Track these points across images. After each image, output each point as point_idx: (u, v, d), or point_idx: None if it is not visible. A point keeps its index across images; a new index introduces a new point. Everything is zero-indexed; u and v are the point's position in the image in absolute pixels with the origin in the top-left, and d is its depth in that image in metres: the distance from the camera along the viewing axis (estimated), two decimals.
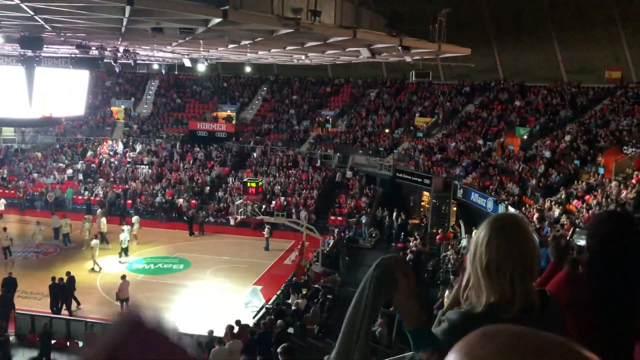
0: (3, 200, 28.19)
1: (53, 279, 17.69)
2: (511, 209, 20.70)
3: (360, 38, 16.57)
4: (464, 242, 21.19)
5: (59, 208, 29.25)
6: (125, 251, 23.17)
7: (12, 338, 15.06)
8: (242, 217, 28.30)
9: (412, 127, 34.15)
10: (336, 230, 25.53)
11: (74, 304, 18.05)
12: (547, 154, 24.90)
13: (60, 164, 35.38)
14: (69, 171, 34.44)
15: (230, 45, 21.51)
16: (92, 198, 31.02)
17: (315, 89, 41.47)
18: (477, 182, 25.21)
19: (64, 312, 17.71)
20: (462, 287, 1.69)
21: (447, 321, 1.55)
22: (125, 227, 23.80)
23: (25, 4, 12.65)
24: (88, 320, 16.08)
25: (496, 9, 32.79)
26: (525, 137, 28.01)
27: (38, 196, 31.42)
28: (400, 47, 17.60)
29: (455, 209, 26.38)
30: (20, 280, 18.13)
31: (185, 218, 28.47)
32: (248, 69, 35.82)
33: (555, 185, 22.04)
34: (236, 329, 13.25)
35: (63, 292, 17.82)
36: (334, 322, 16.27)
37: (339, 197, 30.13)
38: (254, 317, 16.79)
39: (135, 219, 25.93)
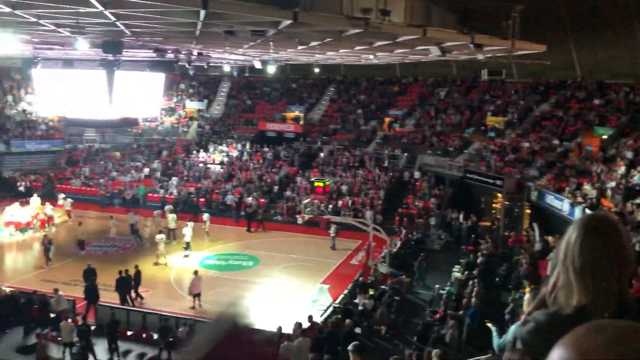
0: (70, 200, 29.52)
1: (120, 272, 18.49)
2: (588, 212, 19.77)
3: (431, 36, 16.33)
4: (537, 246, 20.44)
5: (136, 205, 30.56)
6: (188, 245, 23.94)
7: (93, 328, 15.84)
8: (310, 216, 28.58)
9: (483, 127, 33.29)
10: (403, 232, 25.27)
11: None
12: (629, 154, 23.60)
13: (138, 163, 37.01)
14: (146, 170, 35.96)
15: (300, 47, 21.77)
16: (166, 196, 32.23)
17: (382, 88, 41.25)
18: (552, 183, 24.24)
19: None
20: (549, 288, 1.64)
21: (533, 321, 1.51)
22: (190, 223, 24.60)
23: (109, 10, 13.32)
24: (162, 313, 16.69)
25: (573, 2, 31.39)
26: (605, 137, 26.66)
27: (117, 194, 33.01)
28: (472, 45, 17.22)
29: (528, 211, 25.48)
30: (100, 274, 19.12)
31: (243, 214, 29.12)
32: (316, 70, 36.14)
33: (638, 188, 20.85)
34: (305, 325, 13.38)
35: (129, 285, 18.58)
36: (401, 323, 16.15)
37: (407, 197, 29.81)
38: (320, 316, 16.91)
39: (206, 216, 26.72)
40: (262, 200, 31.23)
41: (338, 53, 25.17)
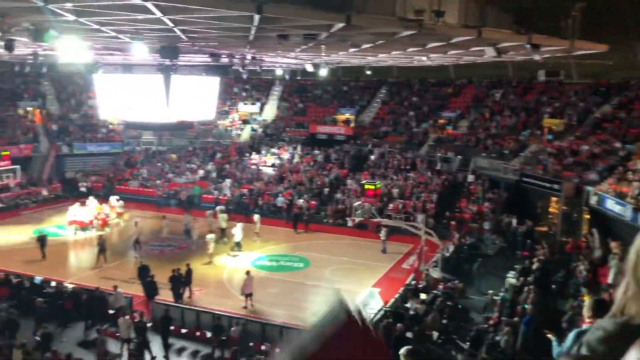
0: (121, 202, 30.23)
1: (173, 271, 18.97)
2: None
3: (486, 37, 16.04)
4: (597, 253, 19.68)
5: (191, 206, 31.29)
6: (238, 245, 24.36)
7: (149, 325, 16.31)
8: (360, 219, 28.52)
9: (540, 129, 32.35)
10: (456, 236, 24.85)
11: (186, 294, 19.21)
12: None
13: (193, 165, 37.93)
14: (200, 172, 36.81)
15: (351, 49, 21.79)
16: (220, 197, 32.88)
17: (435, 90, 40.76)
18: (613, 188, 23.29)
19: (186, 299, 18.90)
20: (617, 297, 1.58)
21: (602, 330, 1.47)
22: (239, 224, 25.04)
23: (167, 17, 13.73)
24: (215, 312, 17.01)
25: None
26: None
27: (172, 194, 33.91)
28: (528, 46, 16.78)
29: (587, 216, 24.57)
30: (156, 272, 19.68)
31: (289, 215, 29.53)
32: (368, 72, 36.06)
33: None
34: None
35: (181, 282, 19.01)
36: (454, 329, 15.89)
37: (460, 201, 29.30)
38: (371, 319, 16.82)
39: (256, 217, 27.09)
40: (313, 202, 31.40)
41: (390, 55, 25.05)
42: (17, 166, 33.05)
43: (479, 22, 16.00)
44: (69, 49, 16.24)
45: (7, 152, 33.99)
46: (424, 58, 26.83)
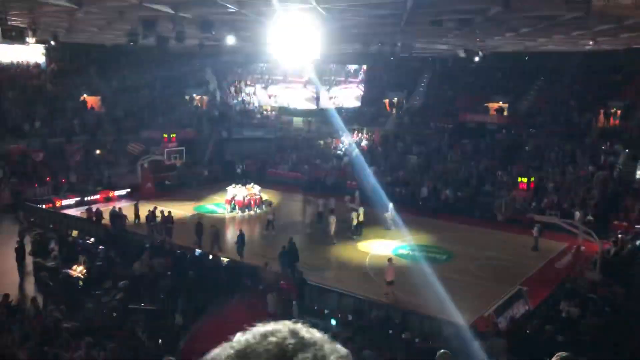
0: (258, 187, 31.03)
1: (283, 247, 19.90)
2: None
3: None
4: None
5: (335, 191, 31.98)
6: (357, 228, 24.65)
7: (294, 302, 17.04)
8: (510, 213, 27.17)
9: None
10: (619, 237, 22.60)
11: None
12: None
13: (339, 152, 38.77)
14: (345, 159, 37.50)
15: (508, 34, 20.67)
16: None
17: (601, 77, 37.20)
18: None
19: None
20: None
21: None
22: (361, 208, 25.35)
23: (320, 6, 14.08)
24: (357, 296, 17.27)
25: None
26: None
27: (319, 179, 34.95)
28: None
29: None
30: (303, 254, 20.55)
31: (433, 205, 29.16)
32: (525, 58, 33.90)
33: None
34: (502, 326, 12.81)
35: (289, 258, 19.65)
36: (613, 336, 14.54)
37: (625, 199, 26.59)
38: (518, 319, 15.99)
39: (391, 206, 26.90)
40: (459, 194, 30.51)
41: (551, 39, 23.33)
42: (183, 148, 36.24)
43: None
44: (231, 39, 17.35)
45: (175, 135, 37.37)
46: (590, 42, 24.60)
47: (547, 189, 28.57)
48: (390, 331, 15.24)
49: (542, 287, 18.98)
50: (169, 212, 24.57)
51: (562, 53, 36.42)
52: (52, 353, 7.29)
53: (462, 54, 28.08)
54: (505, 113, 37.44)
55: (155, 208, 25.26)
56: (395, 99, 43.32)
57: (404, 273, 19.94)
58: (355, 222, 24.95)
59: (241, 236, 21.90)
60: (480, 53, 27.76)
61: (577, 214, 25.03)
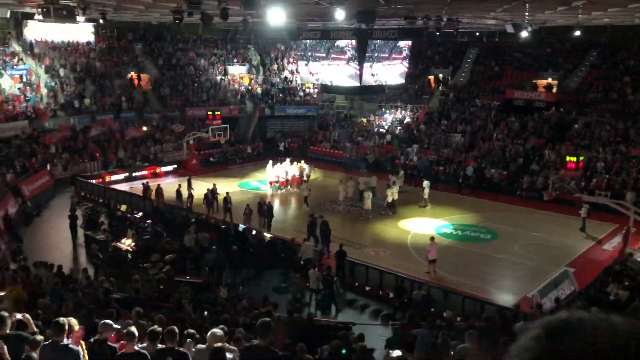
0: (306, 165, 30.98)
1: (311, 215, 20.96)
2: None
3: None
4: None
5: (378, 169, 31.86)
6: (390, 206, 24.76)
7: (335, 279, 17.17)
8: (557, 193, 26.51)
9: None
10: None
11: None
12: None
13: (381, 130, 38.46)
14: (388, 137, 37.19)
15: (560, 8, 19.89)
16: (406, 162, 32.94)
17: None
18: None
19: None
20: None
21: None
22: (395, 188, 25.38)
23: None
24: (398, 274, 17.27)
25: None
26: None
27: (360, 157, 34.83)
28: None
29: None
30: (342, 231, 20.65)
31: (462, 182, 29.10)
32: (576, 33, 32.62)
33: None
34: (546, 307, 12.60)
35: (322, 234, 20.03)
36: None
37: None
38: (562, 301, 15.69)
39: (425, 183, 26.62)
40: (505, 172, 29.90)
41: (606, 12, 22.34)
42: (227, 125, 36.68)
43: None
44: (274, 16, 17.32)
45: (219, 112, 37.84)
46: None
47: (597, 169, 27.68)
48: (432, 309, 15.22)
49: (590, 269, 18.55)
50: (227, 193, 24.20)
51: (616, 27, 34.88)
52: (102, 322, 7.59)
53: (510, 29, 27.22)
54: (554, 90, 36.24)
55: (215, 186, 25.18)
56: (441, 75, 42.49)
57: (447, 252, 19.82)
58: (390, 199, 24.91)
59: (269, 209, 22.19)
60: (529, 27, 26.86)
61: (629, 195, 24.20)
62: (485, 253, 20.48)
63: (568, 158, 25.01)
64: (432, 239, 18.74)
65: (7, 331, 6.05)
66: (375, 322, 15.60)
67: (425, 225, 23.44)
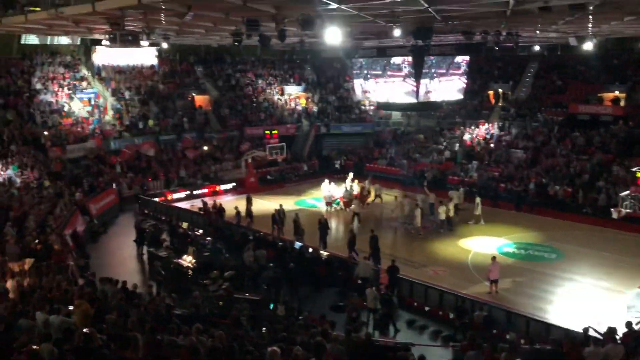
0: (356, 187, 30.22)
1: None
2: None
3: None
4: None
5: (436, 186, 31.31)
6: (446, 223, 24.52)
7: (394, 299, 16.92)
8: (628, 210, 25.26)
9: None
10: None
11: None
12: None
13: (439, 146, 37.90)
14: (447, 153, 36.59)
15: (627, 18, 19.10)
16: (466, 179, 32.26)
17: None
18: None
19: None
20: None
21: None
22: (452, 204, 25.15)
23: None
24: (459, 294, 16.83)
25: None
26: None
27: (418, 174, 34.35)
28: None
29: None
30: (399, 249, 20.34)
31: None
32: None
33: None
34: (620, 332, 11.91)
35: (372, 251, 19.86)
36: None
37: None
38: (636, 324, 14.80)
39: (477, 199, 26.11)
40: (568, 189, 28.77)
41: None
42: (284, 143, 37.12)
43: None
44: (331, 36, 17.46)
45: (276, 131, 38.42)
46: None
47: None
48: (494, 331, 14.70)
49: None
50: (296, 214, 23.94)
51: None
52: (166, 339, 7.74)
53: (573, 42, 26.34)
54: (622, 103, 34.72)
55: (282, 207, 24.76)
56: (500, 90, 41.57)
57: (509, 272, 19.20)
58: (443, 216, 24.49)
59: (323, 226, 22.07)
60: (593, 39, 25.91)
61: None
62: (550, 273, 19.68)
63: (638, 174, 23.85)
64: (494, 258, 18.20)
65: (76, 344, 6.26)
66: (435, 343, 15.20)
67: (486, 244, 22.80)
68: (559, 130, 34.98)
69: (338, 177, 32.76)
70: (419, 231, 24.20)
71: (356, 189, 29.43)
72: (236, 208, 25.80)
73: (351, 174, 31.34)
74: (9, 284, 13.05)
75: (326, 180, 30.07)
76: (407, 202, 26.98)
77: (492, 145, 36.15)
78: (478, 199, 26.07)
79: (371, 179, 31.46)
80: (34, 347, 6.84)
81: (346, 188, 29.32)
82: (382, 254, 19.92)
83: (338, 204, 29.02)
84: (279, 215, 24.25)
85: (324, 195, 29.31)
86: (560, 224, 25.84)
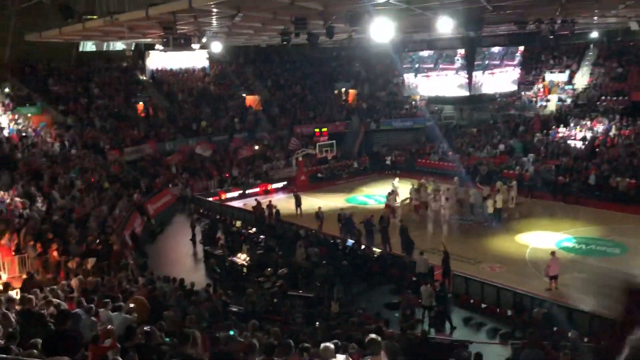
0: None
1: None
2: None
3: None
4: None
5: (490, 181, 30.51)
6: (496, 215, 23.86)
7: (449, 296, 16.65)
8: None
9: None
10: None
11: None
12: None
13: (493, 140, 36.98)
14: (501, 146, 35.67)
15: None
16: (522, 173, 31.33)
17: None
18: None
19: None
20: None
21: None
22: (499, 196, 24.33)
23: None
24: (517, 291, 16.38)
25: None
26: None
27: (472, 169, 33.61)
28: None
29: None
30: (455, 245, 19.98)
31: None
32: None
33: None
34: None
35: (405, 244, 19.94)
36: None
37: None
38: None
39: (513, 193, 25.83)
40: (632, 181, 27.50)
41: None
42: (334, 141, 37.14)
43: None
44: (380, 30, 17.31)
45: (326, 129, 38.49)
46: None
47: None
48: (555, 328, 14.23)
49: None
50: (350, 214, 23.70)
51: None
52: (224, 335, 7.88)
53: (634, 26, 25.20)
54: None
55: (343, 210, 24.54)
56: (557, 80, 40.16)
57: (570, 267, 18.54)
58: (491, 209, 23.98)
59: (403, 230, 21.47)
60: None
61: None
62: (612, 268, 18.87)
63: None
64: (553, 253, 17.60)
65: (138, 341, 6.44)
66: (493, 340, 14.84)
67: (544, 239, 22.08)
68: (620, 120, 33.50)
69: (387, 173, 32.40)
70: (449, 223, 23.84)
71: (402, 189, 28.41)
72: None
73: (397, 178, 29.95)
74: (73, 282, 13.62)
75: (396, 179, 29.34)
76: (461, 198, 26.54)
77: (549, 137, 34.95)
78: (513, 192, 25.86)
79: (426, 176, 30.50)
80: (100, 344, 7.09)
81: (413, 188, 27.30)
82: (433, 250, 19.65)
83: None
84: (345, 217, 23.24)
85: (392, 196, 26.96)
86: (623, 217, 24.73)
